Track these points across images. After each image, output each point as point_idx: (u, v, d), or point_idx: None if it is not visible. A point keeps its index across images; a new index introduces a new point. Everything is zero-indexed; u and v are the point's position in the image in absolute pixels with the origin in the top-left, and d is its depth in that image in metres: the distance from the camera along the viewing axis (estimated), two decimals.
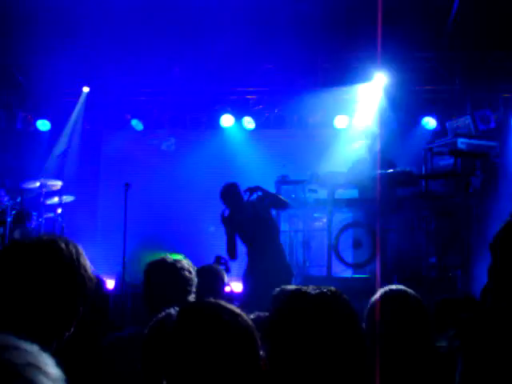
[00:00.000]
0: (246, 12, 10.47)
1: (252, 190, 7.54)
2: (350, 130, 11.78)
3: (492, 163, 9.46)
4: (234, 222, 7.53)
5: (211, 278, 4.96)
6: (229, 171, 12.09)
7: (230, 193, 7.49)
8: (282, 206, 7.82)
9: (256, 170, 11.60)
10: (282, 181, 9.52)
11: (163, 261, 3.75)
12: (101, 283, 4.24)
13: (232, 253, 7.58)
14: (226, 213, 7.53)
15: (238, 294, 7.68)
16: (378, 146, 9.82)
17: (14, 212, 10.96)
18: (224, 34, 10.93)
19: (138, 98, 12.48)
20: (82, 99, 12.36)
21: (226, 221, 7.52)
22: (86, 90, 12.30)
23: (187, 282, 3.65)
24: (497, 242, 2.86)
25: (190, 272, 3.70)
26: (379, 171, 8.96)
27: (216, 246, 11.81)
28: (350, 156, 10.71)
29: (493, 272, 2.80)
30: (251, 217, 7.49)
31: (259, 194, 7.59)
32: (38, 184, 11.20)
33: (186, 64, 11.93)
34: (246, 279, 7.62)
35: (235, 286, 8.00)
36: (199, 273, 4.05)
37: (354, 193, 9.45)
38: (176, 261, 3.73)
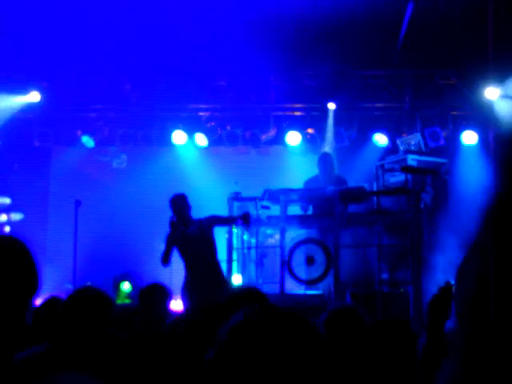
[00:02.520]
0: (198, 28, 10.46)
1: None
2: (302, 147, 11.84)
3: (442, 179, 9.61)
4: (177, 233, 7.86)
5: (157, 296, 4.93)
6: (181, 188, 11.92)
7: (178, 201, 7.93)
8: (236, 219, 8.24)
9: (209, 186, 11.58)
10: (235, 197, 9.50)
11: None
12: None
13: (166, 258, 7.92)
14: (175, 219, 7.89)
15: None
16: (332, 166, 9.92)
17: None
18: (176, 50, 10.90)
19: (89, 114, 12.33)
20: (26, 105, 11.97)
21: (174, 225, 7.82)
22: (33, 97, 11.90)
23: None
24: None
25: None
26: (331, 188, 9.03)
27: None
28: (302, 173, 10.78)
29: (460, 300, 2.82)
30: (196, 234, 7.83)
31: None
32: None
33: (138, 80, 11.86)
34: (184, 294, 7.86)
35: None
36: (145, 291, 4.04)
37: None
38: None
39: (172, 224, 7.92)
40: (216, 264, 8.06)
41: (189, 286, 7.87)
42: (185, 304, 7.79)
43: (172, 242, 7.93)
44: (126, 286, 10.86)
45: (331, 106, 11.50)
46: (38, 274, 2.18)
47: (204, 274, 7.82)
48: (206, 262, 7.90)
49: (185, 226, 7.92)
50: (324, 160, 9.96)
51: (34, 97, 11.90)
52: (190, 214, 8.01)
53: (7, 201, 11.12)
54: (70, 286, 10.18)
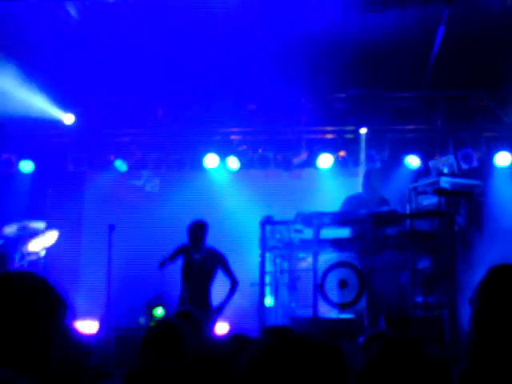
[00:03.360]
0: (229, 52, 10.54)
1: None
2: (334, 169, 11.84)
3: (476, 201, 9.52)
4: (186, 251, 8.83)
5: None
6: (213, 212, 12.07)
7: (196, 230, 8.88)
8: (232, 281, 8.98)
9: (240, 210, 11.60)
10: (267, 221, 9.49)
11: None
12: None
13: (163, 264, 8.89)
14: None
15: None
16: (377, 182, 9.90)
17: None
18: (207, 74, 10.99)
19: (122, 138, 12.45)
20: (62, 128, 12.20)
21: (184, 249, 8.81)
22: (67, 119, 12.10)
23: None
24: (479, 294, 2.87)
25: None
26: (364, 211, 8.99)
27: None
28: (334, 195, 10.76)
29: (475, 322, 2.80)
30: (200, 263, 8.76)
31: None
32: (19, 226, 11.12)
33: (170, 104, 11.97)
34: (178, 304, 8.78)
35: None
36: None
37: (340, 232, 9.45)
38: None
39: (183, 248, 8.86)
40: (208, 293, 8.86)
41: (182, 300, 8.74)
42: None
43: (177, 252, 8.92)
44: (159, 311, 10.87)
45: (363, 130, 11.52)
46: (57, 307, 2.15)
47: (194, 298, 8.61)
48: (200, 289, 8.75)
49: (194, 251, 8.85)
50: (370, 174, 9.98)
51: (68, 119, 12.08)
52: (203, 243, 8.88)
53: (42, 225, 11.23)
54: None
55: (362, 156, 11.48)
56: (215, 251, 8.92)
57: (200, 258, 8.77)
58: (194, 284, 8.74)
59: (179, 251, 9.01)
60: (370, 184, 9.91)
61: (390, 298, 8.82)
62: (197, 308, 7.93)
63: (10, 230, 11.15)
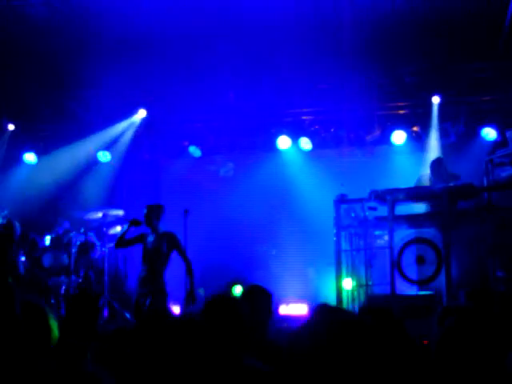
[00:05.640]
0: (297, 33, 10.49)
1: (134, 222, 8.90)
2: (408, 145, 11.66)
3: None
4: (143, 235, 8.90)
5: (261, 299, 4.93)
6: (288, 193, 12.11)
7: (148, 210, 8.86)
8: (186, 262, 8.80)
9: (314, 190, 11.58)
10: (341, 200, 9.43)
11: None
12: None
13: (120, 244, 8.92)
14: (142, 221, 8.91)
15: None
16: (445, 170, 9.70)
17: (78, 243, 11.18)
18: (277, 55, 10.96)
19: (195, 124, 12.58)
20: (136, 123, 12.49)
21: (133, 223, 8.86)
22: (142, 113, 12.39)
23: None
24: None
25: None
26: (439, 185, 8.83)
27: (278, 267, 11.83)
28: (409, 171, 10.62)
29: None
30: (154, 245, 8.76)
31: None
32: (100, 214, 11.42)
33: (241, 88, 12.00)
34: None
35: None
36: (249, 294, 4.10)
37: (416, 208, 9.32)
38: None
39: (132, 222, 8.86)
40: (160, 274, 8.77)
41: (139, 278, 8.80)
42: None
43: (135, 238, 8.98)
44: (237, 290, 10.96)
45: (435, 99, 11.25)
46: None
47: (149, 277, 8.69)
48: (153, 268, 8.71)
49: (151, 232, 8.86)
50: (437, 165, 9.76)
51: (141, 114, 12.35)
52: (156, 224, 8.83)
53: (120, 213, 11.50)
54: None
55: (435, 130, 11.25)
56: (169, 233, 8.87)
57: (152, 240, 8.82)
58: (150, 265, 8.77)
59: (139, 233, 9.10)
60: (438, 173, 9.69)
61: (469, 273, 8.67)
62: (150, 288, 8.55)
63: (95, 216, 11.49)
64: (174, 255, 8.77)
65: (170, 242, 8.78)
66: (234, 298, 3.71)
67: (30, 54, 10.84)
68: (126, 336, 3.83)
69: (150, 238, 8.88)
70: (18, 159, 12.80)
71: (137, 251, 9.16)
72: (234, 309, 3.60)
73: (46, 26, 10.31)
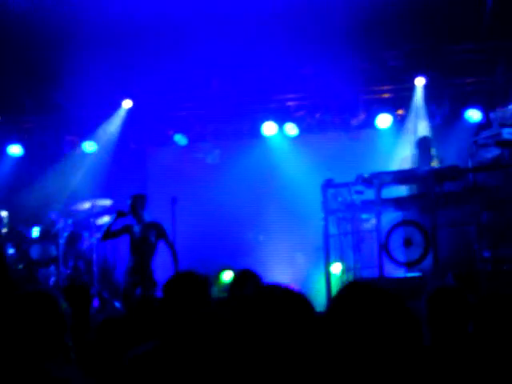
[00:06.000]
0: (280, 19, 10.47)
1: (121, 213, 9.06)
2: (393, 129, 11.70)
3: None
4: (128, 226, 9.06)
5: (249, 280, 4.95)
6: (274, 179, 12.13)
7: (133, 201, 9.04)
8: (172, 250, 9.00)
9: (301, 175, 11.61)
10: (328, 184, 9.47)
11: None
12: None
13: (106, 236, 9.06)
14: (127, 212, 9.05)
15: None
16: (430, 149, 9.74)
17: (65, 234, 11.16)
18: (260, 41, 10.94)
19: (180, 112, 12.57)
20: (122, 113, 12.48)
21: (120, 214, 9.00)
22: (126, 104, 12.37)
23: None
24: None
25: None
26: (425, 168, 8.88)
27: (266, 253, 11.87)
28: (395, 154, 10.67)
29: None
30: (142, 234, 8.91)
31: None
32: (88, 205, 11.39)
33: (224, 75, 11.98)
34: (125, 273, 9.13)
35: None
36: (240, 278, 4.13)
37: (402, 191, 9.37)
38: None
39: (118, 213, 8.99)
40: (149, 264, 8.95)
41: (127, 268, 9.01)
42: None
43: (119, 231, 9.13)
44: (226, 276, 10.98)
45: (419, 82, 11.26)
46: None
47: (137, 267, 8.88)
48: (142, 258, 8.87)
49: (137, 223, 9.01)
50: (423, 144, 9.81)
51: (127, 104, 12.33)
52: (141, 213, 8.99)
53: (108, 202, 11.48)
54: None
55: (421, 112, 11.28)
56: (154, 223, 9.03)
57: (139, 230, 8.98)
58: (139, 254, 8.93)
59: (124, 225, 9.22)
60: (424, 152, 9.72)
61: (456, 254, 8.73)
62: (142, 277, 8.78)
63: (82, 207, 11.46)
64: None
65: (157, 232, 8.81)
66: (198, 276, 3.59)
67: (10, 45, 10.76)
68: (116, 325, 3.84)
69: (137, 229, 8.98)
70: (2, 152, 12.74)
71: (124, 241, 9.18)
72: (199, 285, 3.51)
73: (28, 16, 10.23)
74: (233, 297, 3.96)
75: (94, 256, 10.94)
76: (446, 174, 8.70)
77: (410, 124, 11.30)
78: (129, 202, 9.08)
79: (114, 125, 12.50)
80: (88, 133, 12.62)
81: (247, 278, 4.81)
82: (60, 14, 10.20)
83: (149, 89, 12.18)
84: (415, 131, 10.77)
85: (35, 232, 11.30)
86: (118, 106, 12.41)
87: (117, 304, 10.24)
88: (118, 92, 12.16)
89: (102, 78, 11.36)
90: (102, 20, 10.18)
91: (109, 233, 9.07)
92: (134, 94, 12.31)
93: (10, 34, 10.55)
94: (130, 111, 12.46)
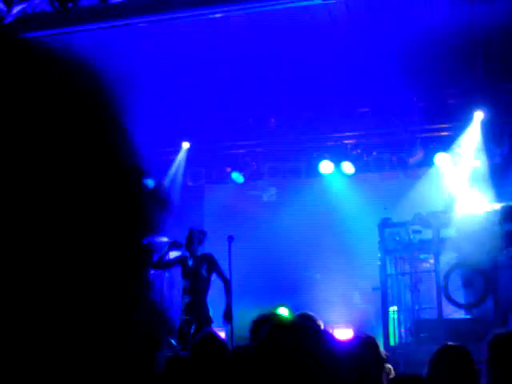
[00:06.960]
0: (337, 56, 10.51)
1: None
2: (452, 168, 11.55)
3: None
4: (183, 257, 9.02)
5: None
6: (331, 217, 12.08)
7: (190, 235, 9.00)
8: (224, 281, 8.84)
9: (358, 214, 11.52)
10: (385, 224, 9.39)
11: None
12: None
13: (158, 265, 8.96)
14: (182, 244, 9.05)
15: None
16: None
17: None
18: (317, 79, 10.99)
19: (237, 150, 12.67)
20: (181, 155, 12.68)
21: (173, 245, 9.03)
22: (185, 145, 12.59)
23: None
24: None
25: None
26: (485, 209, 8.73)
27: (324, 291, 11.78)
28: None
29: None
30: (194, 267, 8.82)
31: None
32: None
33: (282, 113, 12.06)
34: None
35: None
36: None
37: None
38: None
39: (172, 243, 9.00)
40: (204, 300, 8.79)
41: (182, 305, 8.86)
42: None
43: (175, 262, 9.15)
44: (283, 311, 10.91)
45: (478, 118, 11.08)
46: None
47: (192, 304, 8.76)
48: (196, 295, 8.76)
49: (190, 256, 8.94)
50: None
51: (185, 145, 12.57)
52: (195, 248, 8.90)
53: (165, 239, 11.58)
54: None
55: (480, 150, 11.11)
56: (206, 255, 8.96)
57: (192, 263, 8.90)
58: (192, 289, 8.83)
59: (180, 257, 9.20)
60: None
61: None
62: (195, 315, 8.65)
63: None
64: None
65: (208, 264, 8.83)
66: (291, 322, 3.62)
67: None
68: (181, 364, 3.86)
69: (190, 261, 8.96)
70: None
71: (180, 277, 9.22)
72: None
73: (92, 64, 10.48)
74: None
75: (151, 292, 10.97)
76: (508, 213, 8.53)
77: (468, 162, 11.13)
78: (186, 234, 9.11)
79: (173, 164, 12.70)
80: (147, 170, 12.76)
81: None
82: (122, 66, 10.45)
83: (206, 128, 12.34)
84: (473, 170, 10.61)
85: None
86: (178, 147, 12.62)
87: (173, 341, 10.26)
88: (177, 134, 12.36)
89: (161, 121, 11.59)
90: (156, 67, 10.41)
91: (161, 262, 9.06)
92: (192, 134, 12.47)
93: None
94: (188, 150, 12.64)
